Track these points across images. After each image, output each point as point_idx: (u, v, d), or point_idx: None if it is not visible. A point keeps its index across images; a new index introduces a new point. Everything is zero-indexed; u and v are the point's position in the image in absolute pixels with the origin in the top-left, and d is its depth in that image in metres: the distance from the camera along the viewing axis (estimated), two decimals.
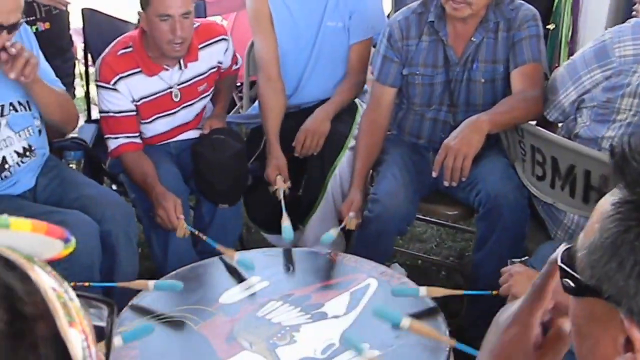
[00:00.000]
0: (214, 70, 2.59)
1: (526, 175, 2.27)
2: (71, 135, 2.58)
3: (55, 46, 2.91)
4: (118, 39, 2.47)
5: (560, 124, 2.28)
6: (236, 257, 2.01)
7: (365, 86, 2.72)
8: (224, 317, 1.77)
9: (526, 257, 1.75)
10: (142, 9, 2.33)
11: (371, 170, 2.47)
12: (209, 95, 2.63)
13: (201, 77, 2.54)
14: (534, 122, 2.23)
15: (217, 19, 3.98)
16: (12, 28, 1.95)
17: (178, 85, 2.49)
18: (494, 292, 1.68)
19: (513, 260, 1.71)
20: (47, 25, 2.94)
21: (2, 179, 2.14)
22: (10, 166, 2.15)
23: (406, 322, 1.58)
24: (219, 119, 2.61)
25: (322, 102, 2.62)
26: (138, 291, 1.87)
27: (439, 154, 2.14)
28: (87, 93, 3.23)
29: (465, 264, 2.89)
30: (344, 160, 2.49)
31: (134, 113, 2.46)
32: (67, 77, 2.97)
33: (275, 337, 1.69)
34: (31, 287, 0.52)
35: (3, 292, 0.50)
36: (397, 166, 2.36)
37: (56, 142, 2.46)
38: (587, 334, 0.66)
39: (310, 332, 1.71)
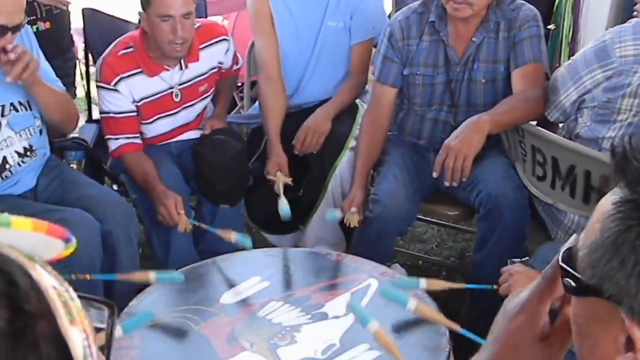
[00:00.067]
0: (215, 70, 2.59)
1: (527, 175, 2.27)
2: (72, 135, 2.58)
3: (55, 46, 2.91)
4: (119, 39, 2.47)
5: (561, 124, 2.28)
6: (233, 238, 2.09)
7: (367, 87, 2.72)
8: (225, 318, 1.77)
9: (526, 257, 1.76)
10: (143, 9, 2.32)
11: (372, 171, 2.47)
12: (209, 95, 2.63)
13: (202, 77, 2.54)
14: (534, 123, 2.24)
15: (218, 19, 3.99)
16: (15, 29, 1.95)
17: (179, 85, 2.49)
18: (495, 287, 1.70)
19: (513, 260, 1.72)
20: (47, 24, 2.93)
21: (2, 179, 2.14)
22: (11, 166, 2.15)
23: (412, 303, 1.59)
24: (219, 119, 2.61)
25: (323, 102, 2.62)
26: (138, 292, 1.87)
27: (440, 154, 2.14)
28: (88, 93, 3.23)
29: (465, 264, 2.89)
30: (344, 161, 2.49)
31: (135, 114, 2.46)
32: (67, 77, 2.97)
33: (276, 337, 1.69)
34: (32, 286, 0.52)
35: (4, 290, 0.50)
36: (397, 166, 2.36)
37: (57, 142, 2.46)
38: (587, 334, 0.66)
39: (310, 332, 1.71)
